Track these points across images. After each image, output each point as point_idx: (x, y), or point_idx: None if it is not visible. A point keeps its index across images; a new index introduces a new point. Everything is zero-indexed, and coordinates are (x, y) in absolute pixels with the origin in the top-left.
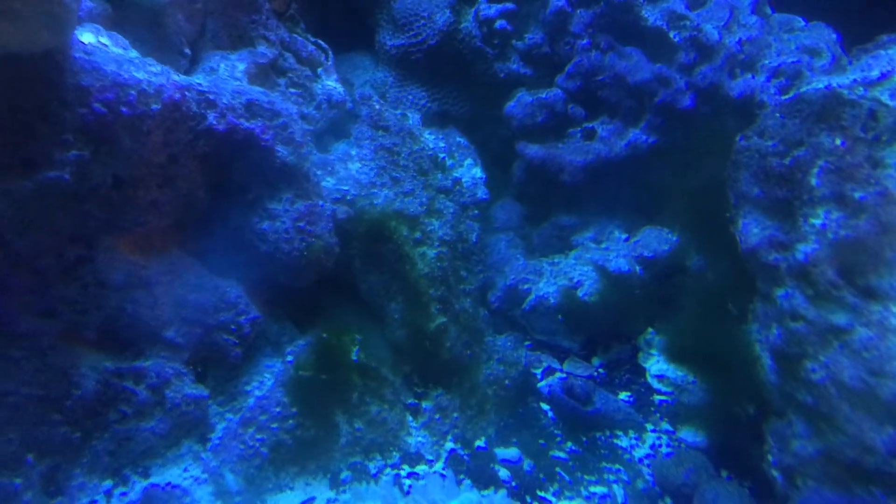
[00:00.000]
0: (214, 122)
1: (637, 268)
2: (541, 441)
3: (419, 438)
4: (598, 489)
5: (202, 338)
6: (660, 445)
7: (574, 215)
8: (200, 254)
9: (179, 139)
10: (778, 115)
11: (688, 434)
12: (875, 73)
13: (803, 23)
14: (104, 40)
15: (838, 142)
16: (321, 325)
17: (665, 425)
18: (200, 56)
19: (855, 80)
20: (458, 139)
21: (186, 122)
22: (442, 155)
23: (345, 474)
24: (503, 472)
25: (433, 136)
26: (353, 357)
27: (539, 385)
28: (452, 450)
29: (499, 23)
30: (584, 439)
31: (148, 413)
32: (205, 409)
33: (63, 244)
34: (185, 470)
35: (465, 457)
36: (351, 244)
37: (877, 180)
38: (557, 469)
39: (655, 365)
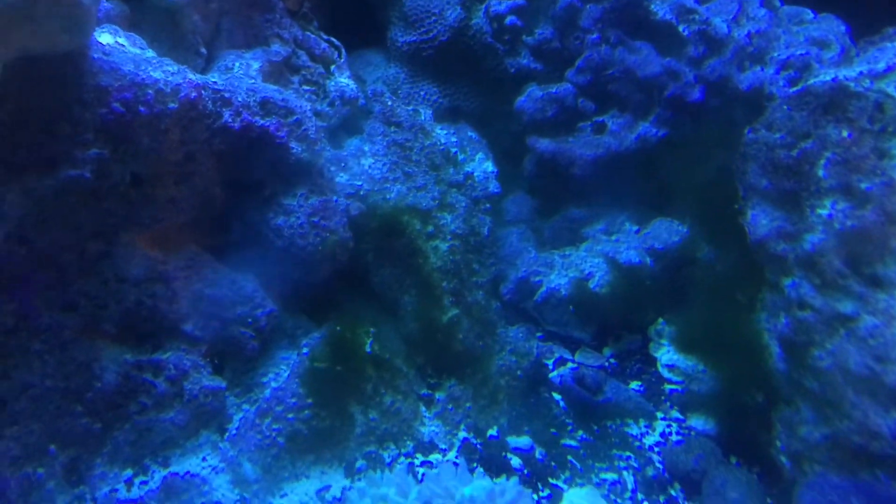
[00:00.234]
0: (230, 120)
1: (647, 259)
2: (552, 430)
3: (432, 428)
4: (609, 476)
5: (219, 331)
6: (670, 433)
7: (585, 208)
8: (217, 249)
9: (196, 137)
10: (786, 107)
11: (697, 422)
12: (881, 66)
13: (812, 15)
14: (122, 41)
15: (845, 133)
16: (336, 318)
17: (675, 413)
18: (216, 55)
19: (861, 73)
20: (469, 134)
21: (203, 120)
22: (454, 150)
23: (360, 463)
24: (515, 461)
25: (445, 132)
26: (367, 349)
27: (551, 375)
28: (465, 439)
29: (509, 19)
30: (596, 428)
31: (167, 404)
32: (222, 401)
33: (83, 241)
34: (204, 459)
35: (478, 446)
36: (364, 238)
37: (883, 171)
38: (569, 457)
39: (666, 355)
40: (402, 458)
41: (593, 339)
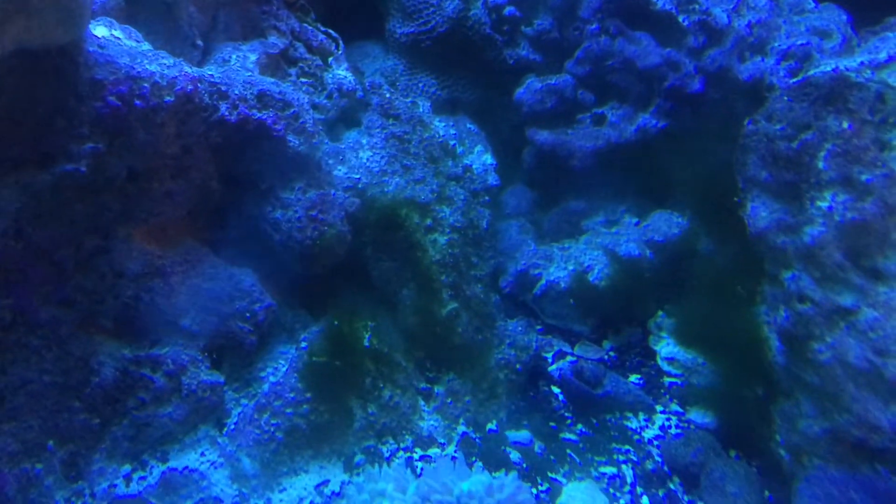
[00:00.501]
0: (226, 113)
1: (647, 252)
2: (551, 424)
3: (431, 422)
4: (608, 469)
5: (217, 326)
6: (669, 426)
7: (584, 200)
8: (215, 243)
9: (192, 130)
10: (786, 98)
11: (697, 415)
12: (883, 56)
13: (814, 4)
14: (117, 34)
15: (845, 125)
16: (334, 311)
17: (675, 407)
18: (212, 47)
19: (862, 63)
20: (468, 126)
21: (199, 113)
22: (452, 142)
23: (358, 458)
24: (514, 455)
25: (443, 124)
26: (366, 343)
27: (550, 369)
28: (464, 433)
29: (508, 9)
30: (595, 421)
31: (165, 399)
32: (221, 395)
33: (80, 235)
34: (203, 454)
35: (477, 440)
36: (363, 232)
37: (883, 163)
38: (568, 451)
39: (665, 348)
40: (400, 453)
41: (593, 332)
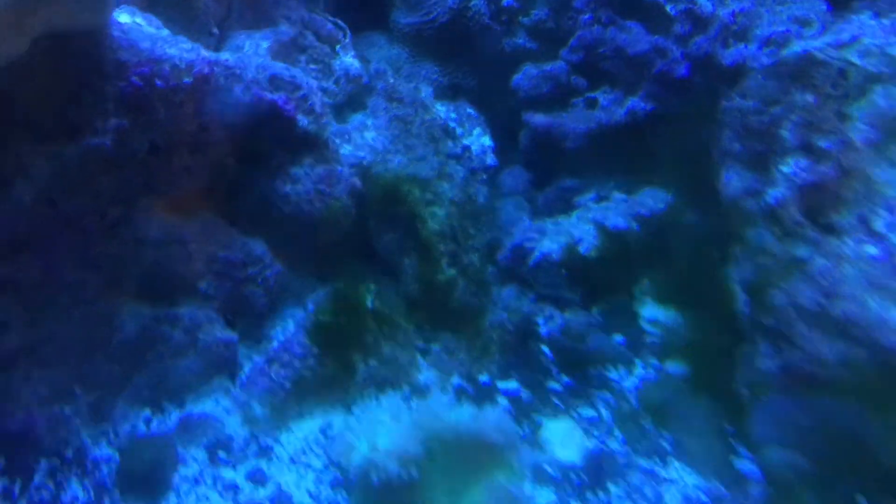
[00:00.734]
0: (241, 94)
1: (634, 224)
2: (539, 376)
3: (428, 374)
4: (588, 411)
5: (231, 289)
6: (646, 377)
7: (577, 178)
8: (230, 215)
9: (209, 109)
10: (759, 77)
11: (672, 366)
12: (846, 36)
13: None
14: (139, 21)
15: (810, 98)
16: (340, 278)
17: (653, 360)
18: (227, 35)
19: (828, 43)
20: (468, 110)
21: (215, 93)
22: (452, 124)
23: (363, 403)
24: (503, 401)
25: (445, 108)
26: (369, 304)
27: (540, 330)
28: (458, 384)
29: (506, 0)
30: (578, 373)
31: (182, 352)
32: (234, 351)
33: (105, 205)
34: (217, 402)
35: (469, 389)
36: (367, 206)
37: (841, 131)
38: (552, 397)
39: (648, 310)
40: (398, 399)
41: (583, 300)
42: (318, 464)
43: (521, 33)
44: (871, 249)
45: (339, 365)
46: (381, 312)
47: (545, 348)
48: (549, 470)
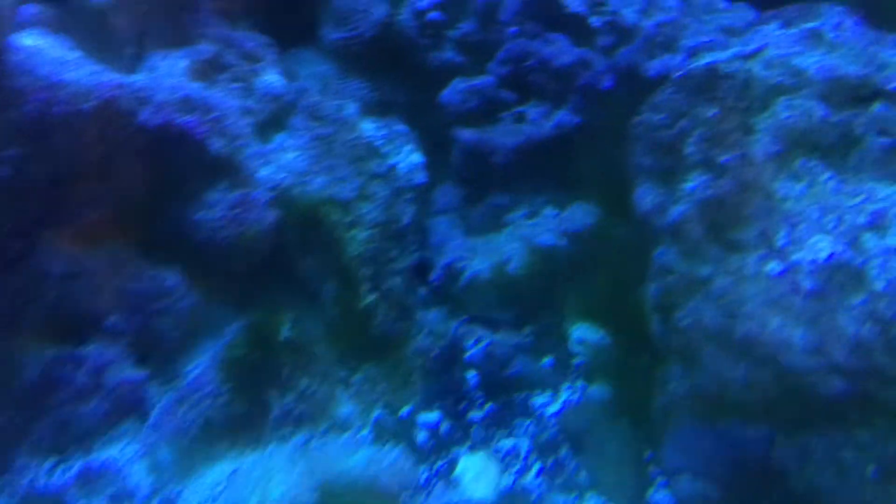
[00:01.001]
0: (149, 118)
1: (562, 241)
2: (462, 404)
3: (348, 408)
4: (507, 442)
5: (142, 323)
6: (571, 401)
7: (508, 195)
8: (141, 244)
9: (115, 135)
10: (669, 90)
11: (596, 389)
12: (751, 47)
13: (725, 4)
14: (46, 43)
15: (713, 112)
16: (258, 306)
17: (579, 383)
18: (144, 54)
19: (734, 55)
20: (397, 127)
21: (121, 118)
22: (380, 142)
23: (272, 445)
24: (422, 434)
25: (373, 125)
26: (284, 335)
27: (466, 355)
28: (378, 417)
29: (431, 14)
30: (502, 400)
31: (87, 396)
32: (143, 391)
33: (5, 239)
34: (123, 448)
35: (390, 422)
36: (287, 229)
37: (742, 145)
38: (472, 429)
39: (577, 330)
40: (314, 439)
41: (514, 319)
42: None
43: (449, 47)
44: (772, 266)
45: (252, 402)
46: (299, 343)
47: (470, 374)
48: None
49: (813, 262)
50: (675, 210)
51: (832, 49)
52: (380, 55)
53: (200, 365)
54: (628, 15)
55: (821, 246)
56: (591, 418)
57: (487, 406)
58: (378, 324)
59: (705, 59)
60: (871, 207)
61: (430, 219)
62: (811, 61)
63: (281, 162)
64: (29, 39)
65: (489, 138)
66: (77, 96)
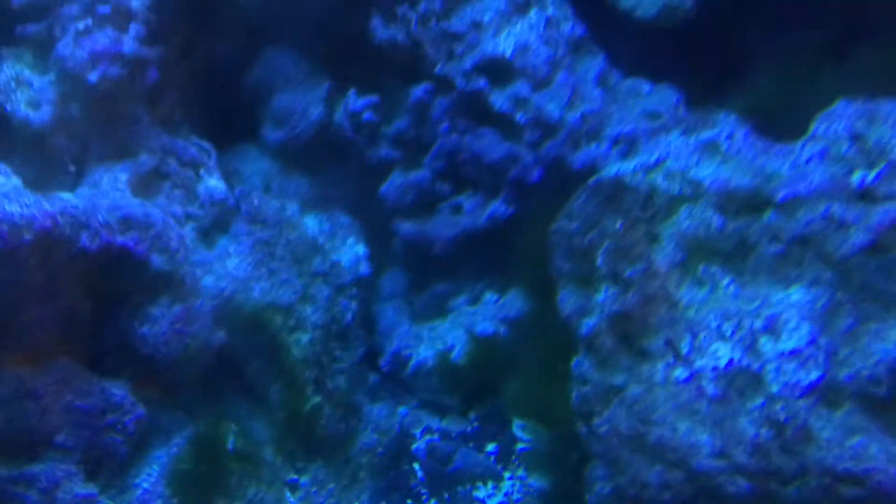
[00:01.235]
0: (88, 242)
1: (501, 329)
2: (408, 501)
3: None
4: None
5: (91, 439)
6: (512, 492)
7: (449, 282)
8: (88, 359)
9: (56, 261)
10: (582, 198)
11: (535, 480)
12: (653, 158)
13: (649, 87)
14: None
15: (618, 224)
16: (209, 410)
17: (521, 472)
18: (86, 170)
19: (637, 166)
20: (341, 220)
21: (60, 245)
22: (321, 239)
23: None
24: None
25: (315, 221)
26: (230, 445)
27: (414, 445)
28: None
29: (365, 115)
30: (447, 495)
31: None
32: None
33: None
34: None
35: None
36: (233, 335)
37: (647, 256)
38: None
39: (517, 420)
40: None
41: (461, 404)
42: None
43: (385, 144)
44: (678, 373)
45: None
46: (246, 451)
47: (417, 467)
48: None
49: (714, 368)
50: (588, 322)
51: (726, 160)
52: (319, 152)
53: (150, 477)
54: (552, 110)
55: (721, 353)
56: None
57: (432, 502)
58: (324, 424)
59: (610, 170)
60: (766, 312)
61: (378, 305)
62: (706, 173)
63: (223, 270)
64: None
65: (427, 230)
66: (18, 228)
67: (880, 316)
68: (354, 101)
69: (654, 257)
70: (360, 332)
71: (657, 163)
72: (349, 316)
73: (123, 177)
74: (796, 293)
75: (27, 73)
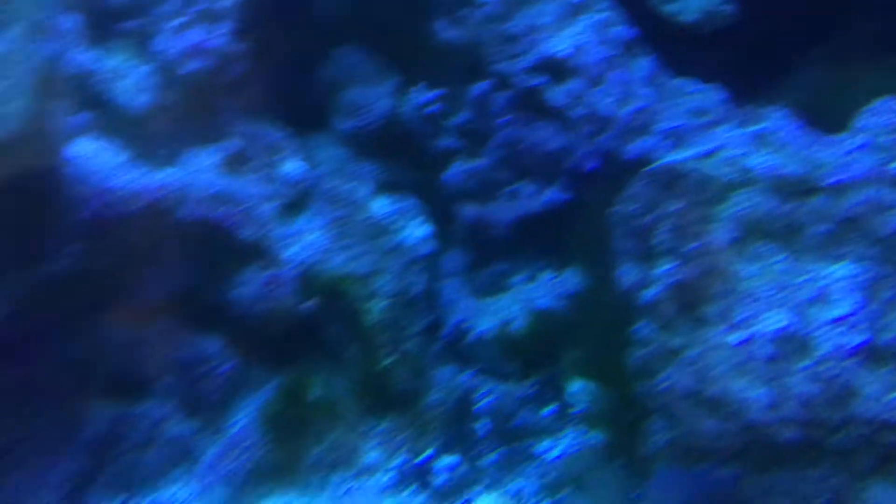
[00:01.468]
0: (187, 214)
1: (559, 303)
2: (476, 450)
3: (374, 455)
4: (515, 484)
5: (190, 385)
6: (571, 447)
7: (508, 262)
8: (186, 318)
9: (159, 230)
10: (640, 184)
11: (594, 436)
12: (709, 148)
13: (695, 87)
14: (96, 148)
15: (676, 206)
16: (291, 368)
17: (579, 429)
18: (180, 151)
19: (694, 155)
20: (406, 202)
21: (163, 216)
22: (390, 219)
23: (313, 486)
24: (443, 476)
25: (384, 202)
26: (314, 394)
27: (477, 407)
28: (401, 462)
29: (431, 107)
30: (510, 447)
31: (146, 446)
32: (193, 441)
33: (71, 317)
34: (181, 488)
35: (411, 467)
36: (314, 301)
37: (704, 235)
38: (486, 471)
39: (574, 383)
40: (343, 483)
41: (519, 373)
42: None
43: (448, 135)
44: (735, 337)
45: (289, 452)
46: (327, 401)
47: (480, 424)
48: None
49: (768, 333)
50: (651, 292)
51: (776, 150)
52: (387, 141)
53: (242, 420)
54: (606, 105)
55: (774, 320)
56: (588, 463)
57: (497, 452)
58: (396, 382)
59: (671, 157)
60: (816, 284)
61: (440, 282)
62: (758, 161)
63: (304, 242)
64: (81, 147)
65: (488, 213)
66: (126, 200)
67: None
68: (423, 93)
69: (710, 236)
70: (426, 302)
71: (712, 152)
72: (417, 288)
73: (214, 158)
74: (843, 268)
75: (127, 64)
